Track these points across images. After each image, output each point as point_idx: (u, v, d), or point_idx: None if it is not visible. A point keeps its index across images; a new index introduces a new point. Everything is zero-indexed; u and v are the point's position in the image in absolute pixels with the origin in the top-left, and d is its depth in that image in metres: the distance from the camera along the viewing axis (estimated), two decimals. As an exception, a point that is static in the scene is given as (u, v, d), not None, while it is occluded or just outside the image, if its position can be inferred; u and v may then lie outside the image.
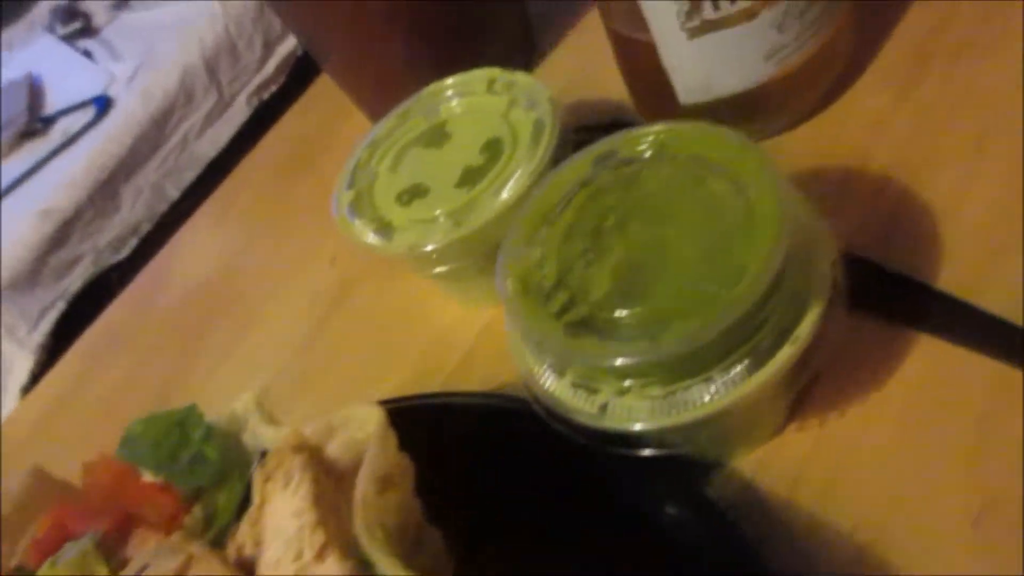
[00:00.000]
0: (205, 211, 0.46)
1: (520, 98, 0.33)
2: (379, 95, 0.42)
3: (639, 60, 0.32)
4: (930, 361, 0.26)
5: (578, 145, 0.35)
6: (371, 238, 0.31)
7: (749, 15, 0.29)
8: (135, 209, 1.13)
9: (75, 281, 1.08)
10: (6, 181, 1.09)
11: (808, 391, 0.26)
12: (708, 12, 0.29)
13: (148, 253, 1.08)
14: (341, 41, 0.39)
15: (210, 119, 1.15)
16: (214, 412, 0.33)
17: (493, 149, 0.32)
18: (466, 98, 0.34)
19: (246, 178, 0.47)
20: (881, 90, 0.32)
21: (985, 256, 0.27)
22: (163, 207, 1.14)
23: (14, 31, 1.40)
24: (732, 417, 0.22)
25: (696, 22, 0.29)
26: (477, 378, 0.32)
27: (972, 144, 0.30)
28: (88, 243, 1.09)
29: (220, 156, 1.14)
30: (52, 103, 1.19)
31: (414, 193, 0.32)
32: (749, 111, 0.32)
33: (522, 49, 0.42)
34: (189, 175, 1.14)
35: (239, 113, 1.16)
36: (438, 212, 0.31)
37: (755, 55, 0.30)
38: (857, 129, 0.32)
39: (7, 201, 1.08)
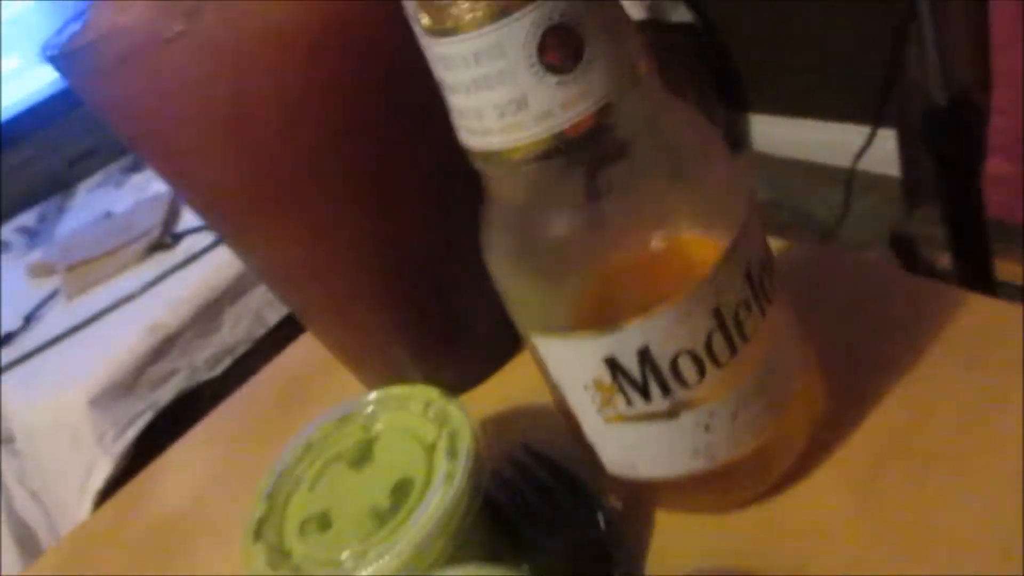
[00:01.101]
0: (196, 433, 0.47)
1: (443, 439, 0.31)
2: (357, 370, 0.42)
3: (571, 418, 0.30)
4: None
5: (517, 467, 0.34)
6: (262, 568, 0.30)
7: (669, 414, 0.26)
8: (235, 331, 1.19)
9: (167, 393, 1.14)
10: (129, 290, 1.18)
11: None
12: (622, 406, 0.26)
13: (241, 373, 1.12)
14: (318, 323, 0.40)
15: (317, 253, 1.21)
16: None
17: (401, 493, 0.30)
18: (403, 414, 0.33)
19: (243, 406, 0.47)
20: (831, 495, 0.28)
21: None
22: (261, 331, 1.20)
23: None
24: None
25: (611, 412, 0.27)
26: None
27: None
28: (186, 359, 1.16)
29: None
30: (185, 221, 1.29)
31: (318, 522, 0.31)
32: (683, 494, 0.29)
33: (503, 348, 0.41)
34: (289, 304, 1.20)
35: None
36: (328, 556, 0.29)
37: (680, 450, 0.27)
38: (797, 532, 0.28)
39: (117, 314, 1.17)
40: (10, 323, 1.29)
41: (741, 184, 0.25)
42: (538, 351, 0.27)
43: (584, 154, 0.23)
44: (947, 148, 0.81)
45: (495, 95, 0.22)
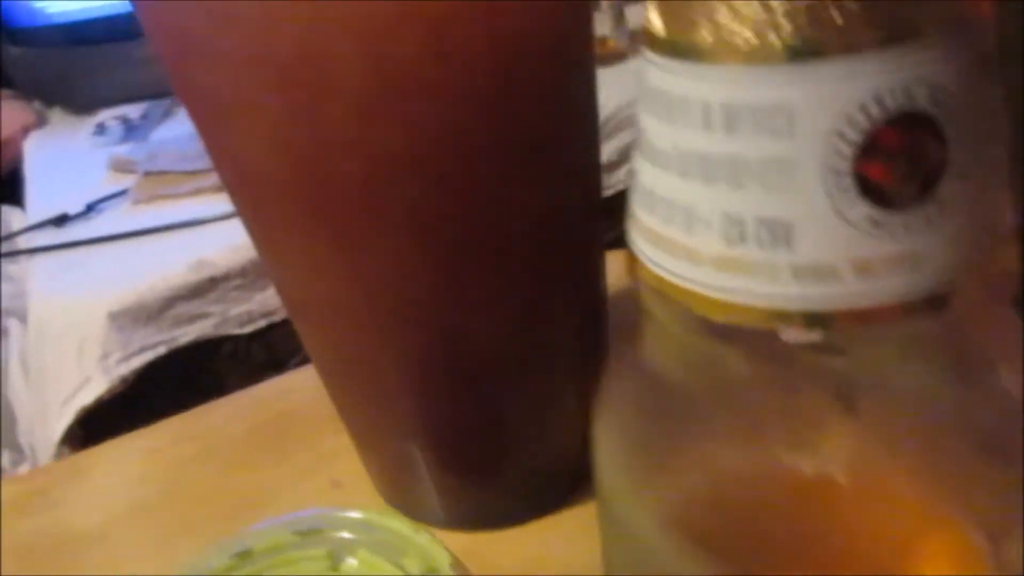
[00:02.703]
0: (142, 435, 0.37)
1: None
2: (359, 447, 0.32)
3: None
4: None
5: None
6: None
7: None
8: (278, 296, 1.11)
9: (189, 335, 1.06)
10: (194, 216, 1.12)
11: None
12: None
13: (267, 339, 1.05)
14: (330, 374, 0.30)
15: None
16: None
17: None
18: (388, 567, 0.23)
19: (211, 420, 0.38)
20: None
21: None
22: (305, 305, 1.12)
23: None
24: None
25: None
26: None
27: None
28: (220, 306, 1.08)
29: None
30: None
31: None
32: None
33: (555, 491, 0.30)
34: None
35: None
36: None
37: None
38: None
39: (173, 236, 1.10)
40: (72, 206, 1.24)
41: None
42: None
43: (837, 354, 0.12)
44: None
45: (738, 198, 0.11)
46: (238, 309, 1.10)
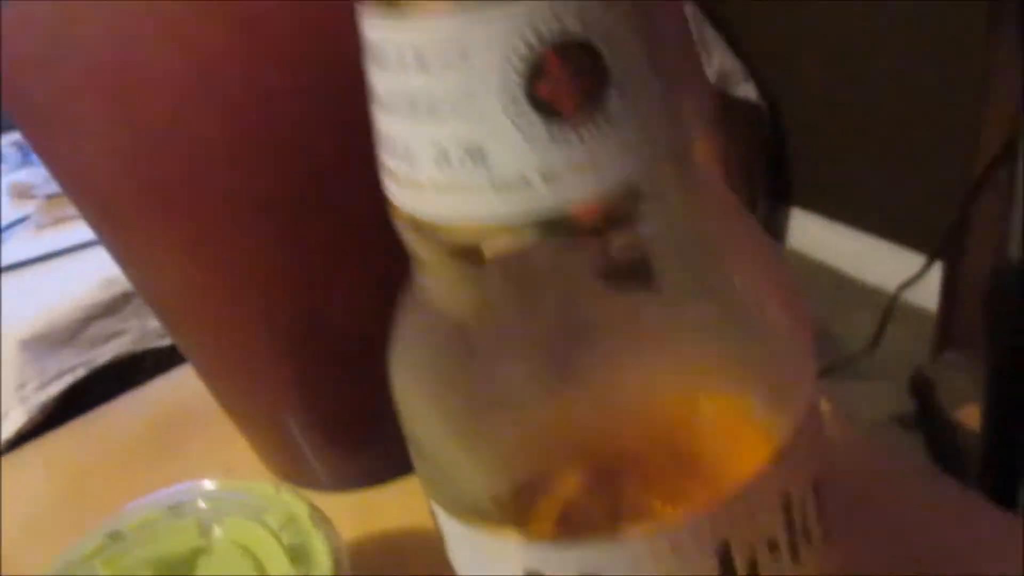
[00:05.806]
0: (33, 449, 0.38)
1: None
2: (241, 426, 0.33)
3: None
4: None
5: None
6: None
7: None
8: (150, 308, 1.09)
9: (107, 353, 1.05)
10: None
11: None
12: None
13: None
14: (200, 361, 0.31)
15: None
16: None
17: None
18: (252, 527, 0.24)
19: (101, 429, 0.38)
20: None
21: None
22: (225, 312, 1.11)
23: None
24: None
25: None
26: None
27: None
28: (137, 321, 1.06)
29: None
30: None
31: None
32: None
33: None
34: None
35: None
36: None
37: None
38: None
39: (80, 257, 1.07)
40: (-28, 236, 1.20)
41: (808, 364, 0.16)
42: (440, 527, 0.18)
43: (570, 261, 0.14)
44: (1007, 310, 0.72)
45: (437, 128, 0.13)
46: (155, 322, 1.08)
